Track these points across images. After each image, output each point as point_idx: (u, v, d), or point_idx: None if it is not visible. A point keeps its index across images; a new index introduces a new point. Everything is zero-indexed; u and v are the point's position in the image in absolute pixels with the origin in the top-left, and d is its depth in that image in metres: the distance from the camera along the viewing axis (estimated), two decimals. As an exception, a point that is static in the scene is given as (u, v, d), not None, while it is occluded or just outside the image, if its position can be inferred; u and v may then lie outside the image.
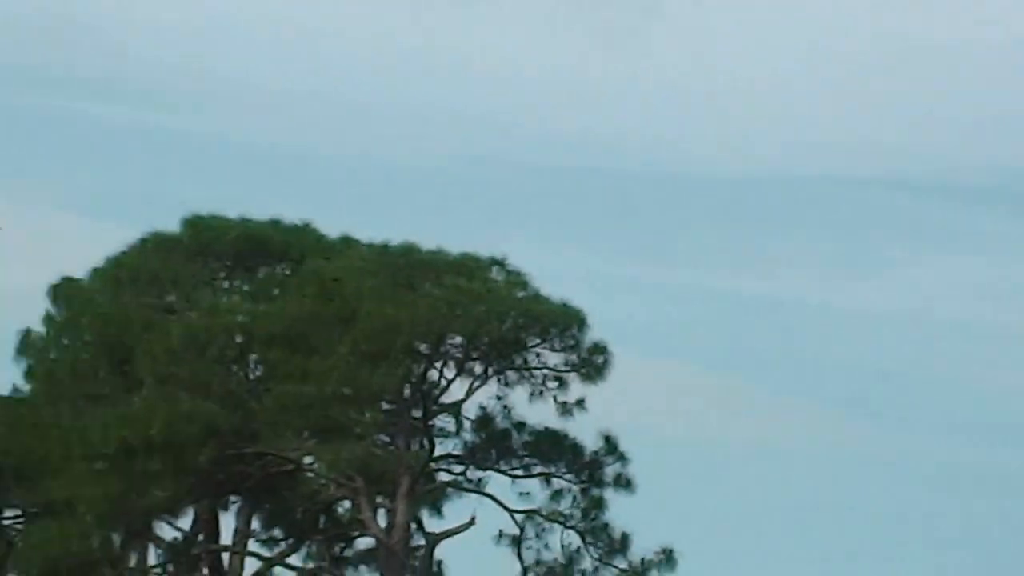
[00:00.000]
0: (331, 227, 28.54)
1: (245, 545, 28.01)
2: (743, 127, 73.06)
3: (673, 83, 72.34)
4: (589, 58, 74.13)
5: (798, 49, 76.50)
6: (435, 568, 27.16)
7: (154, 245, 28.31)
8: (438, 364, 25.88)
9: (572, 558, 26.45)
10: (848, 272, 74.09)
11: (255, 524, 28.40)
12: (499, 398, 26.23)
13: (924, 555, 45.73)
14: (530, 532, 26.48)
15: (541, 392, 25.81)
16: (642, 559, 26.06)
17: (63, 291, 28.03)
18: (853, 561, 45.31)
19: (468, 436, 26.80)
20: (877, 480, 54.37)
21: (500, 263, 26.27)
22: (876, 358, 62.60)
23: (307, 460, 26.05)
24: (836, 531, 47.95)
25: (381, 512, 25.96)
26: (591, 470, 26.43)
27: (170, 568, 28.43)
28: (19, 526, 27.99)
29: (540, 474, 26.71)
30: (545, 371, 25.79)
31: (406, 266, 26.29)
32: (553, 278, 27.44)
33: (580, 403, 25.64)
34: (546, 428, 26.48)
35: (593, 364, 25.45)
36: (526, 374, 25.93)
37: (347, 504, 27.35)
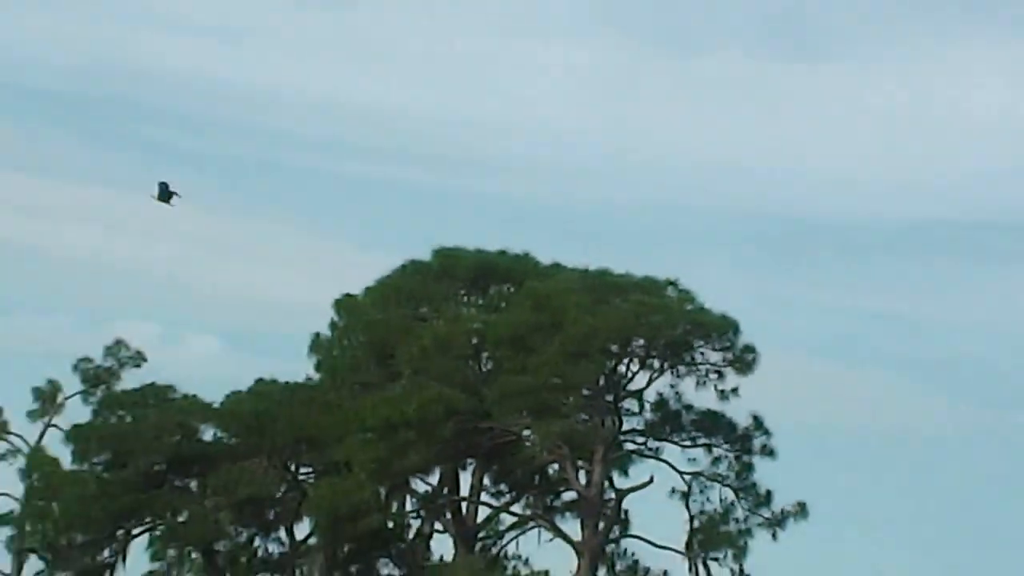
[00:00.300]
0: (544, 256, 36.29)
1: (479, 497, 35.55)
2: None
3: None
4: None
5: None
6: (622, 516, 33.92)
7: (411, 270, 35.96)
8: (625, 360, 33.09)
9: (728, 509, 33.21)
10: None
11: (486, 481, 35.76)
12: (672, 386, 33.35)
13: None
14: (695, 489, 33.44)
15: (704, 382, 32.83)
16: (782, 510, 32.80)
17: (344, 304, 36.11)
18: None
19: (648, 415, 34.02)
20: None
21: (673, 283, 33.63)
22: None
23: (526, 433, 33.04)
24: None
25: (581, 473, 32.83)
26: (743, 442, 33.34)
27: (422, 513, 36.41)
28: (311, 481, 36.12)
29: (703, 444, 33.68)
30: (707, 366, 32.76)
31: (601, 286, 33.54)
32: (729, 297, 35.34)
33: (735, 391, 32.70)
34: (708, 409, 33.50)
35: (744, 360, 32.45)
36: (693, 368, 32.91)
37: (555, 466, 34.22)
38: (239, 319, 78.38)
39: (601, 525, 33.30)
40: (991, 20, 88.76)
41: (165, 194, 34.59)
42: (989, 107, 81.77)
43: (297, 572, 37.92)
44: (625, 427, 33.86)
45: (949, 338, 76.91)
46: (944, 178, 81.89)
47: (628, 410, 34.03)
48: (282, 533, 37.59)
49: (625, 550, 34.86)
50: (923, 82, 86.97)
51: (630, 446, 34.36)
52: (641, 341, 32.82)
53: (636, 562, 34.77)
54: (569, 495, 35.11)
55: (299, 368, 37.47)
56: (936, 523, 57.13)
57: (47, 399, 44.93)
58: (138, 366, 44.24)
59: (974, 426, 67.63)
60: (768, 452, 33.41)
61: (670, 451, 34.05)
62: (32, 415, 45.16)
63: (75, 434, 39.00)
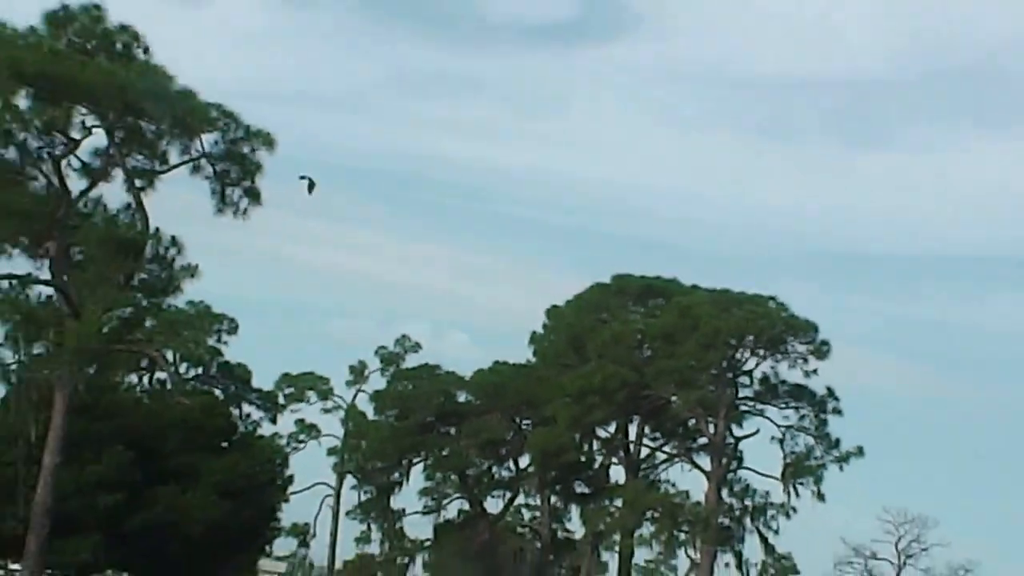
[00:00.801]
0: (687, 279, 50.94)
1: (641, 441, 50.25)
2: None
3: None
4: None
5: None
6: (738, 454, 47.69)
7: (597, 289, 50.44)
8: (741, 350, 46.66)
9: (809, 450, 46.83)
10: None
11: (646, 430, 50.29)
12: (772, 367, 47.32)
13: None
14: (787, 437, 47.17)
15: (794, 365, 46.51)
16: (846, 451, 46.35)
17: (552, 312, 50.96)
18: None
19: (755, 387, 47.85)
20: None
21: (773, 298, 47.28)
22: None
23: (673, 398, 46.67)
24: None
25: (711, 425, 46.58)
26: (820, 405, 46.96)
27: (603, 452, 51.04)
28: (530, 429, 50.57)
29: (793, 407, 47.35)
30: (796, 354, 46.18)
31: (724, 300, 47.07)
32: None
33: (815, 371, 46.39)
34: (796, 384, 47.20)
35: (821, 351, 45.88)
36: (786, 355, 46.37)
37: (693, 421, 48.04)
38: (483, 322, 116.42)
39: (724, 461, 46.87)
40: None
41: (310, 186, 35.45)
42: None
43: (520, 490, 52.94)
44: (740, 395, 47.70)
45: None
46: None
47: (742, 383, 47.71)
48: (510, 464, 52.18)
49: (740, 478, 48.24)
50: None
51: (744, 407, 47.98)
52: (751, 337, 46.19)
53: (747, 486, 48.10)
54: (702, 440, 48.70)
55: (522, 354, 52.49)
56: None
57: (358, 373, 58.46)
58: (416, 352, 57.06)
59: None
60: (837, 411, 47.17)
61: (770, 411, 48.05)
62: (348, 384, 59.08)
63: (376, 397, 54.14)
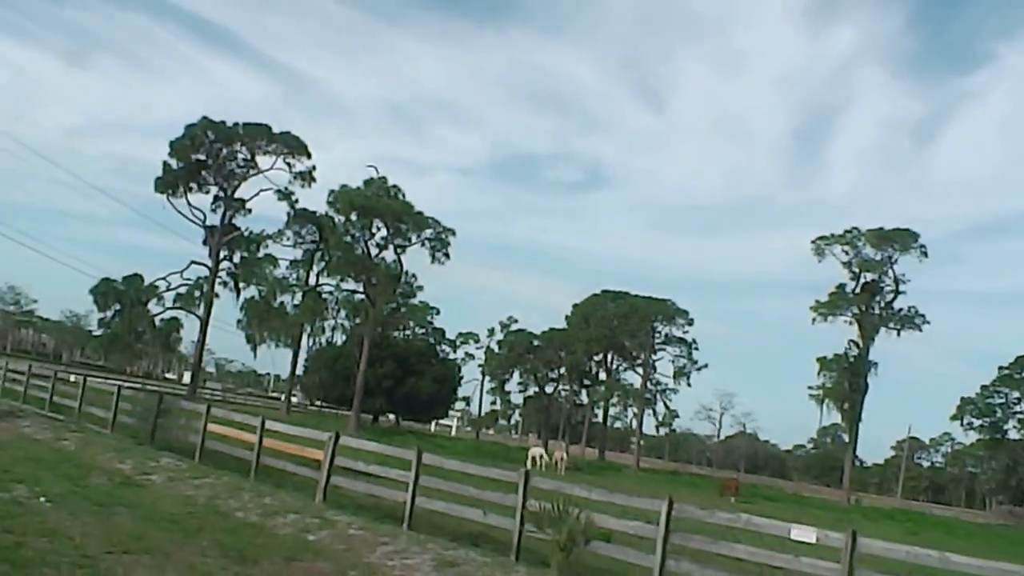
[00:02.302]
0: (634, 291, 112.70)
1: (611, 363, 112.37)
2: None
3: None
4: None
5: None
6: (654, 367, 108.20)
7: (595, 296, 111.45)
8: (655, 323, 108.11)
9: (684, 364, 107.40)
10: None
11: (614, 357, 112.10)
12: (669, 329, 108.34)
13: None
14: (676, 359, 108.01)
15: (679, 327, 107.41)
16: (701, 365, 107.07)
17: (574, 306, 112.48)
18: None
19: (662, 338, 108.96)
20: None
21: (670, 299, 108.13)
22: None
23: (627, 343, 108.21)
24: None
25: (642, 355, 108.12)
26: (689, 345, 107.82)
27: (595, 365, 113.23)
28: (564, 356, 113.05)
29: (678, 346, 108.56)
30: (679, 323, 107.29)
31: (648, 301, 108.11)
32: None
33: (687, 330, 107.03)
34: (679, 336, 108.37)
35: (690, 322, 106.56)
36: (674, 323, 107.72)
37: (634, 353, 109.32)
38: (544, 310, 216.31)
39: (647, 371, 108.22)
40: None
41: (376, 171, 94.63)
42: None
43: (560, 382, 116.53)
44: (656, 341, 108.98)
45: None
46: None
47: (656, 336, 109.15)
48: (558, 370, 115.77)
49: (654, 377, 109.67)
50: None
51: (657, 347, 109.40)
52: (660, 315, 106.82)
53: (657, 380, 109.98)
54: (638, 362, 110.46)
55: (561, 323, 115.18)
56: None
57: (491, 332, 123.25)
58: (516, 323, 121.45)
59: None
60: (696, 348, 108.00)
61: (669, 349, 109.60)
62: (488, 334, 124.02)
63: (499, 344, 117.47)
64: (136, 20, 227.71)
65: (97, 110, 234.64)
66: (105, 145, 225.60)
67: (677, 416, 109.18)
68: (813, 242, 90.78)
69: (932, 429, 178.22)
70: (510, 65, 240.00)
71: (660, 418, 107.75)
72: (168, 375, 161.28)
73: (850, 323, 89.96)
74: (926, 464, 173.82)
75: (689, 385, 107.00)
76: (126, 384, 46.02)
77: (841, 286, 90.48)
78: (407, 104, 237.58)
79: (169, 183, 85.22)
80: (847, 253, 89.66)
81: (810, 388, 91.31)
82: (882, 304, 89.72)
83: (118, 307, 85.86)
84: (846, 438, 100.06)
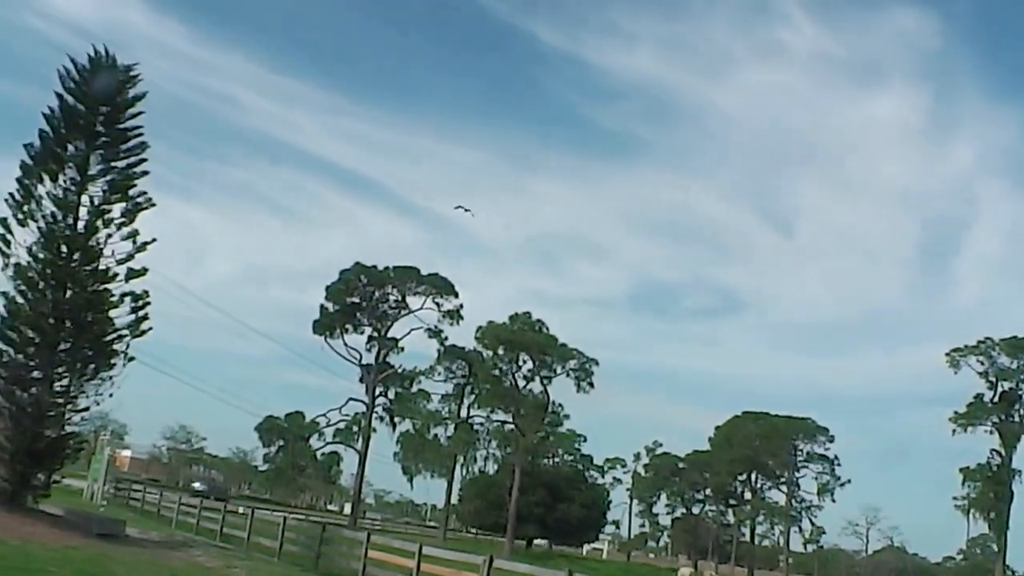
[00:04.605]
0: None
1: None
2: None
3: None
4: None
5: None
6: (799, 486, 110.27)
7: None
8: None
9: (827, 482, 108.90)
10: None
11: None
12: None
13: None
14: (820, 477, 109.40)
15: (820, 445, 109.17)
16: (844, 480, 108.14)
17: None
18: None
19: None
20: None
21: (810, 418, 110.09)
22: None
23: None
24: None
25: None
26: (832, 462, 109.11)
27: None
28: None
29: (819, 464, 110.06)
30: (820, 440, 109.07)
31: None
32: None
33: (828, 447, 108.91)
34: (821, 453, 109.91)
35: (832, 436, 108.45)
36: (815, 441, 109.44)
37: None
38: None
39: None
40: None
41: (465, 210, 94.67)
42: None
43: None
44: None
45: None
46: None
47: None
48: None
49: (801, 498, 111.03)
50: None
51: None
52: (801, 434, 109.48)
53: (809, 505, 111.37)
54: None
55: None
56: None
57: (636, 457, 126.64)
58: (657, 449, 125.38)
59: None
60: (838, 464, 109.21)
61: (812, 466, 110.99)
62: (634, 459, 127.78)
63: (645, 468, 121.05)
64: (287, 175, 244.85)
65: (254, 258, 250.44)
66: (260, 290, 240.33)
67: (824, 532, 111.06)
68: (948, 354, 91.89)
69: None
70: (638, 199, 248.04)
71: (807, 535, 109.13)
72: (330, 507, 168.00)
73: (990, 432, 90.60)
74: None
75: (834, 501, 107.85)
76: (291, 515, 47.72)
77: (979, 396, 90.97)
78: (543, 239, 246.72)
79: (326, 325, 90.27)
80: (982, 363, 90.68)
81: (955, 499, 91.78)
82: (1022, 412, 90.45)
83: (282, 443, 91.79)
84: (995, 547, 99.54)
